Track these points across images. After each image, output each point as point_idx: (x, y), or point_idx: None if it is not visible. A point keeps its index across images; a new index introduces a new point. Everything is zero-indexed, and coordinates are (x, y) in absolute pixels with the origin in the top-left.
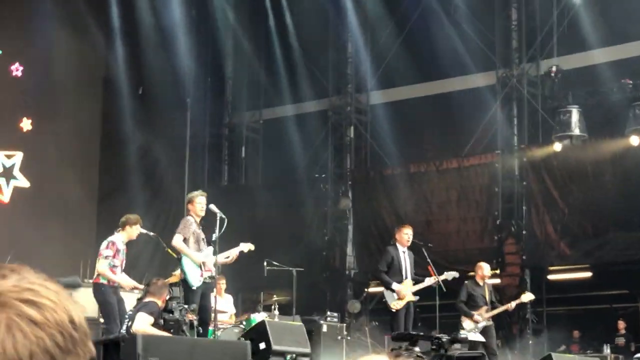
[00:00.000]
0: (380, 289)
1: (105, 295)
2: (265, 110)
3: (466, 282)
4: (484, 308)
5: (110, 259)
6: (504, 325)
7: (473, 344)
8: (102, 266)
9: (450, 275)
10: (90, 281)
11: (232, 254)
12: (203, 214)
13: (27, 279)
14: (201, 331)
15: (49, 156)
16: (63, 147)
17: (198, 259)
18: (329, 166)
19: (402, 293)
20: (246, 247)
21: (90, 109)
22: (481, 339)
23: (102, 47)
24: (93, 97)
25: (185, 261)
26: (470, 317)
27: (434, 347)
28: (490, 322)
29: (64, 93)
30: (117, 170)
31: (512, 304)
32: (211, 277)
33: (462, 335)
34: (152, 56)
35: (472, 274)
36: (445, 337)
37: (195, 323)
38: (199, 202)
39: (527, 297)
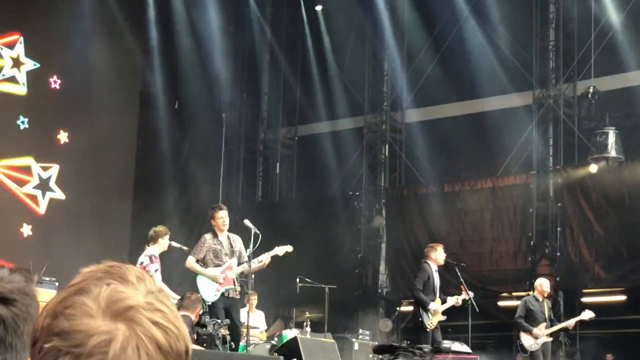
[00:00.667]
0: (411, 308)
1: None
2: (300, 126)
3: (525, 298)
4: (544, 324)
5: (159, 273)
6: None
7: (532, 357)
8: (159, 282)
9: (586, 315)
10: None
11: (265, 258)
12: (226, 227)
13: (156, 296)
14: (233, 346)
15: (85, 169)
16: (99, 161)
17: (210, 275)
18: (363, 184)
19: (437, 311)
20: (282, 250)
21: (126, 123)
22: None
23: (139, 62)
24: (129, 111)
25: (198, 279)
26: (529, 332)
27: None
28: (550, 339)
29: (101, 107)
30: (152, 184)
31: (572, 321)
32: (240, 292)
33: (445, 345)
34: (189, 71)
35: (505, 294)
36: (427, 348)
37: (228, 338)
38: (220, 217)
39: (587, 314)
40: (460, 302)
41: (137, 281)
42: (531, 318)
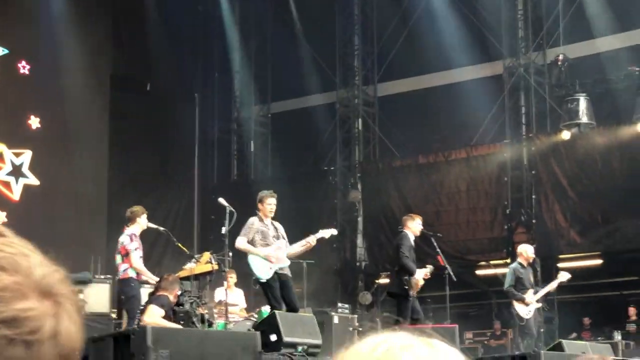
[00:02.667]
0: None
1: (135, 290)
2: (273, 104)
3: (512, 266)
4: (531, 291)
5: (140, 251)
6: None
7: (528, 325)
8: (137, 261)
9: (327, 232)
10: (102, 277)
11: (311, 240)
12: (272, 215)
13: (48, 264)
14: (211, 324)
15: (58, 154)
16: (71, 145)
17: (263, 254)
18: (337, 159)
19: (418, 283)
20: (328, 232)
21: (98, 106)
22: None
23: (109, 44)
24: (101, 95)
25: (251, 259)
26: (522, 300)
27: None
28: (539, 305)
29: (72, 90)
30: (127, 166)
31: (554, 285)
32: (217, 271)
33: None
34: (159, 53)
35: (483, 263)
36: None
37: (207, 316)
38: (269, 203)
39: (564, 276)
40: (429, 275)
41: (33, 254)
42: (520, 286)
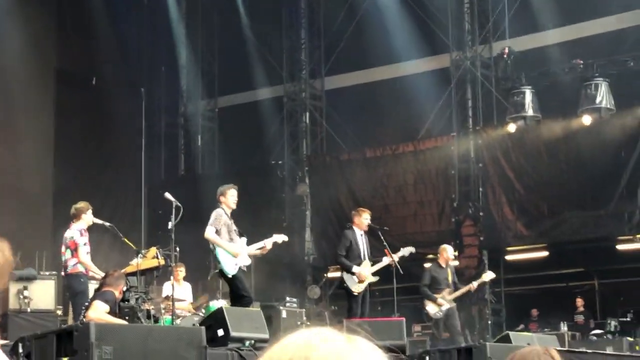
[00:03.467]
0: (339, 274)
1: (83, 285)
2: (220, 98)
3: (429, 265)
4: (447, 290)
5: (88, 247)
6: (464, 306)
7: (436, 324)
8: (85, 256)
9: (406, 250)
10: (47, 273)
11: (267, 244)
12: (235, 207)
13: None
14: (157, 319)
15: (2, 148)
16: (16, 140)
17: (232, 250)
18: (285, 153)
19: (363, 275)
20: (280, 238)
21: (42, 101)
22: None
23: (53, 38)
24: (45, 89)
25: (219, 252)
26: (434, 300)
27: None
28: (454, 304)
29: (15, 85)
30: (72, 161)
31: (474, 284)
32: (164, 266)
33: None
34: (105, 47)
35: (432, 256)
36: None
37: (153, 312)
38: (232, 195)
39: (488, 275)
40: (393, 262)
41: None
42: (436, 285)
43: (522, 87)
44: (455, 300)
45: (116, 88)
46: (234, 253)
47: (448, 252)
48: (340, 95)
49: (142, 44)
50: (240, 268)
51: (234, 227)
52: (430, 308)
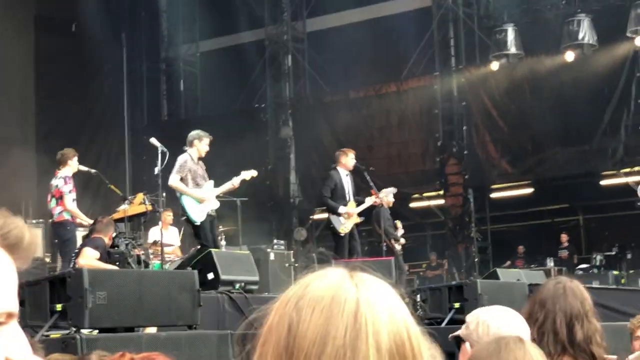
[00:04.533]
0: (325, 215)
1: (70, 233)
2: (202, 42)
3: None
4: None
5: (74, 194)
6: (450, 244)
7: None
8: (71, 203)
9: (388, 191)
10: (34, 221)
11: (235, 182)
12: (204, 155)
13: None
14: (147, 265)
15: None
16: None
17: (197, 196)
18: (268, 96)
19: (351, 213)
20: (248, 174)
21: (22, 48)
22: None
23: None
24: (25, 36)
25: (184, 199)
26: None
27: None
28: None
29: None
30: (54, 109)
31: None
32: (151, 211)
33: None
34: None
35: (417, 195)
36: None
37: (143, 257)
38: (205, 143)
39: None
40: (378, 201)
41: None
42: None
43: (505, 25)
44: None
45: (97, 34)
46: (200, 199)
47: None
48: (323, 37)
49: None
50: (208, 215)
51: (200, 173)
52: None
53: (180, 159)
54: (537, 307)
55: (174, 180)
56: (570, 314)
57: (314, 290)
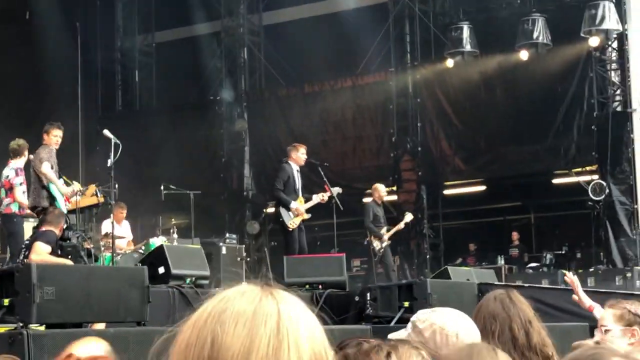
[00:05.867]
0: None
1: (17, 225)
2: (157, 33)
3: (368, 201)
4: (385, 228)
5: (24, 186)
6: (402, 241)
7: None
8: (21, 195)
9: (334, 191)
10: None
11: (324, 197)
12: (57, 147)
13: None
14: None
15: None
16: None
17: (64, 190)
18: (223, 88)
19: (300, 210)
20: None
21: None
22: None
23: None
24: None
25: (53, 188)
26: (380, 237)
27: None
28: (390, 242)
29: None
30: (7, 98)
31: (401, 225)
32: (103, 203)
33: None
34: None
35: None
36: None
37: (93, 250)
38: (55, 135)
39: (408, 217)
40: (326, 198)
41: None
42: (376, 222)
43: (460, 23)
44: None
45: (51, 23)
46: (65, 194)
47: (380, 190)
48: (279, 30)
49: None
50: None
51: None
52: (376, 244)
53: (48, 149)
54: (489, 319)
55: (46, 168)
56: (524, 319)
57: (236, 305)
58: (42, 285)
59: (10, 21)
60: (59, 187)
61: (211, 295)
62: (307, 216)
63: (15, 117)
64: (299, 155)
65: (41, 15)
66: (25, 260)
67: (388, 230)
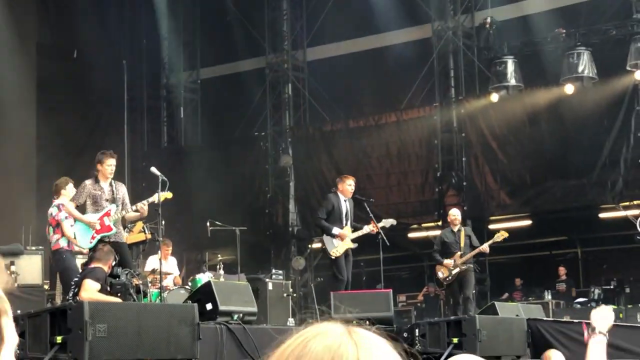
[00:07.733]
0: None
1: (67, 261)
2: (203, 69)
3: (442, 231)
4: (458, 254)
5: (71, 220)
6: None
7: (450, 289)
8: (68, 229)
9: (388, 222)
10: (33, 248)
11: (374, 229)
12: (111, 176)
13: None
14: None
15: None
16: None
17: (86, 220)
18: (268, 124)
19: (343, 234)
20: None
21: (24, 75)
22: None
23: (33, 12)
24: (27, 63)
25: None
26: (441, 264)
27: None
28: (464, 268)
29: None
30: (56, 135)
31: (485, 246)
32: (150, 240)
33: None
34: (86, 19)
35: (415, 226)
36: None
37: (142, 287)
38: (109, 165)
39: (502, 235)
40: (375, 230)
41: None
42: (446, 250)
43: (504, 57)
44: (465, 263)
45: (98, 61)
46: (90, 223)
47: (451, 215)
48: (323, 66)
49: (123, 15)
50: (111, 242)
51: (105, 196)
52: (441, 273)
53: (81, 185)
54: None
55: (66, 206)
56: None
57: (313, 350)
58: (94, 323)
59: (59, 59)
60: (83, 220)
61: (258, 332)
62: (352, 245)
63: (62, 154)
64: (346, 187)
65: (88, 53)
66: (77, 298)
67: (463, 256)
